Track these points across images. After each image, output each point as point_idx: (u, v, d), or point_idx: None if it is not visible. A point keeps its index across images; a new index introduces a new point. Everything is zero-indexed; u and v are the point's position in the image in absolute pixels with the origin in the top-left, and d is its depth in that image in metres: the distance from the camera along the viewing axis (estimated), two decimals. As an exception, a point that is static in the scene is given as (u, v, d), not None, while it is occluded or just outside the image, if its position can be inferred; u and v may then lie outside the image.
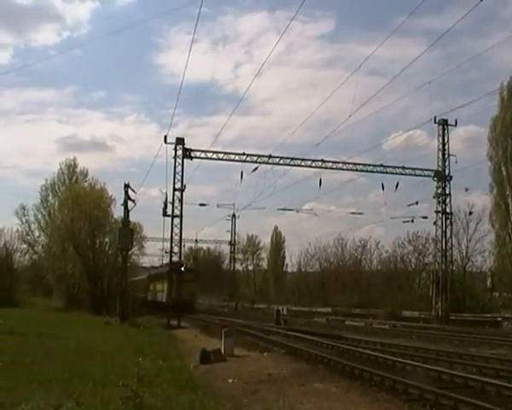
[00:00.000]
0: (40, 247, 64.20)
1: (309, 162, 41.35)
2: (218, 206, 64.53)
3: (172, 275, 41.32)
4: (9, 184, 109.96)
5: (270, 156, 41.10)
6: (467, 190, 47.03)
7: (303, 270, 73.22)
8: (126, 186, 40.09)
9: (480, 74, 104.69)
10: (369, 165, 42.08)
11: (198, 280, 57.27)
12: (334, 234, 67.41)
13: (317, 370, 15.55)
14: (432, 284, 43.27)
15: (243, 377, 14.53)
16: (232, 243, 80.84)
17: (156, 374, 12.95)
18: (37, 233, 64.43)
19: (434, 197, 42.39)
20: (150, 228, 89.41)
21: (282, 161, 41.30)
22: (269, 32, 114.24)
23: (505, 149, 44.68)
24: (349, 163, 42.26)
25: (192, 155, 40.72)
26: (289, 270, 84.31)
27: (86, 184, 62.48)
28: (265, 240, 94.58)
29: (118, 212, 50.70)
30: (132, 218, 43.18)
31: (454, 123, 42.39)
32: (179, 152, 40.11)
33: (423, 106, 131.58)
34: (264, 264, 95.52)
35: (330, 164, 41.93)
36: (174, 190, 39.78)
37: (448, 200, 42.43)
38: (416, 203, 43.59)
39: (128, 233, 40.72)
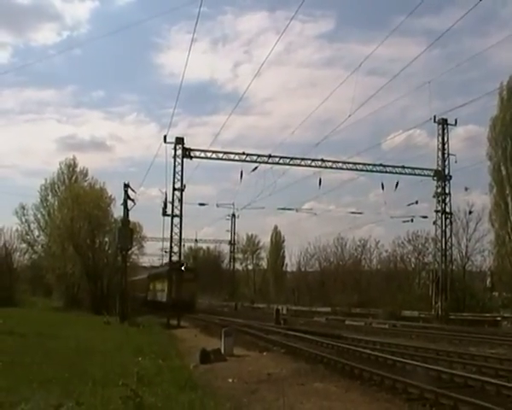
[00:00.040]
0: (40, 246, 64.25)
1: (308, 162, 41.35)
2: (217, 205, 64.46)
3: (173, 274, 41.28)
4: (9, 183, 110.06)
5: (269, 156, 41.10)
6: (466, 189, 47.20)
7: (303, 269, 73.26)
8: (126, 186, 40.09)
9: (480, 74, 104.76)
10: (369, 164, 42.12)
11: (198, 280, 57.25)
12: (334, 234, 67.60)
13: (317, 369, 15.54)
14: (431, 284, 43.27)
15: (243, 377, 14.53)
16: (232, 243, 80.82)
17: (156, 374, 12.95)
18: (36, 233, 64.53)
19: (434, 197, 42.39)
20: (150, 228, 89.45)
21: (281, 161, 41.32)
22: (268, 32, 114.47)
23: (505, 148, 44.71)
24: (349, 163, 42.31)
25: (192, 154, 40.70)
26: (289, 269, 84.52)
27: (86, 184, 62.58)
28: (265, 240, 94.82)
29: (117, 211, 50.81)
30: (132, 217, 43.24)
31: (454, 122, 42.40)
32: (179, 152, 40.12)
33: (423, 105, 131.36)
34: (264, 263, 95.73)
35: (330, 164, 41.94)
36: (174, 189, 39.77)
37: (448, 199, 42.44)
38: (416, 203, 43.67)
39: (128, 233, 40.72)
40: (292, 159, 41.51)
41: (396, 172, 41.53)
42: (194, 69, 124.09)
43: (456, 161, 42.03)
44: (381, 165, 41.35)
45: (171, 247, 40.45)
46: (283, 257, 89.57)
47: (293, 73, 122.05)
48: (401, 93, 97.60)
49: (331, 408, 10.91)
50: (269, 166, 40.66)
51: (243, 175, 40.87)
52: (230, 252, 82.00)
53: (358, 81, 27.24)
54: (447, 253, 42.65)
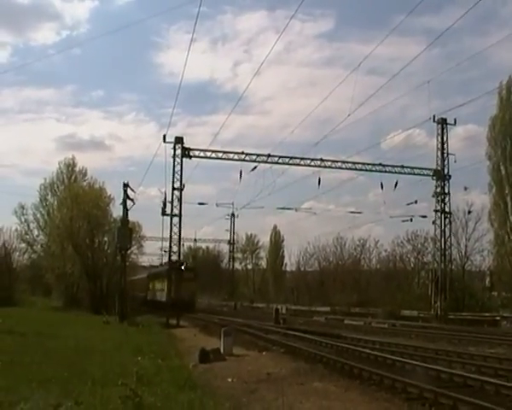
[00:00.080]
0: (39, 246, 64.23)
1: (308, 161, 41.36)
2: (217, 205, 64.49)
3: (172, 274, 41.28)
4: (8, 183, 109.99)
5: (269, 155, 41.10)
6: (466, 189, 47.32)
7: (302, 269, 73.32)
8: (125, 185, 40.05)
9: (480, 73, 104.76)
10: (368, 164, 42.13)
11: (198, 279, 57.25)
12: (334, 233, 67.57)
13: (316, 369, 15.54)
14: (431, 283, 43.27)
15: (242, 377, 14.53)
16: (231, 243, 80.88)
17: (155, 373, 12.94)
18: (36, 232, 64.50)
19: (433, 196, 42.39)
20: (149, 227, 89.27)
21: (281, 160, 41.33)
22: (268, 31, 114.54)
23: (504, 148, 44.71)
24: (348, 162, 42.32)
25: (191, 154, 40.70)
26: (288, 269, 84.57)
27: (85, 184, 62.59)
28: (264, 239, 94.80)
29: (117, 211, 50.82)
30: (131, 217, 43.23)
31: (453, 122, 42.42)
32: (178, 151, 40.11)
33: (422, 105, 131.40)
34: (264, 263, 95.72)
35: (329, 163, 41.97)
36: (173, 189, 39.76)
37: (447, 199, 42.45)
38: (415, 202, 43.65)
39: (127, 232, 40.69)
40: (291, 158, 41.54)
41: (395, 172, 41.56)
42: (193, 69, 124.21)
43: (455, 161, 42.10)
44: (380, 164, 41.37)
45: (170, 246, 40.46)
46: (283, 257, 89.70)
47: (293, 73, 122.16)
48: (401, 92, 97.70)
49: (330, 408, 10.91)
50: (268, 165, 40.76)
51: (242, 175, 40.98)
52: (230, 251, 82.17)
53: (358, 81, 27.21)
54: (446, 252, 42.67)
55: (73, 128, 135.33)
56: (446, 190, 42.38)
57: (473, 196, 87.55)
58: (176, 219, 39.83)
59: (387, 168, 41.45)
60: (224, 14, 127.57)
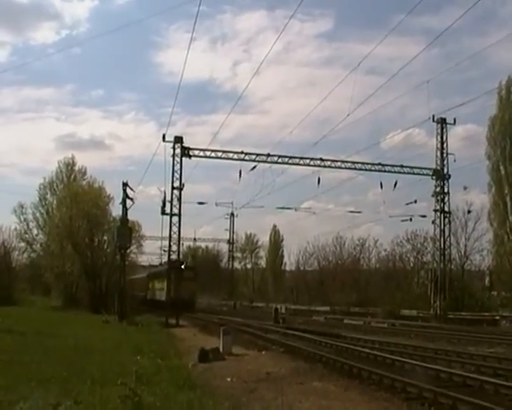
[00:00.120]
0: (38, 245, 64.18)
1: (307, 161, 41.38)
2: (216, 204, 64.45)
3: (172, 273, 41.26)
4: (8, 182, 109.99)
5: (268, 155, 41.12)
6: (465, 188, 47.30)
7: (301, 268, 73.36)
8: (125, 185, 40.02)
9: (479, 73, 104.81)
10: (368, 163, 42.16)
11: (198, 279, 57.24)
12: (333, 233, 67.60)
13: (316, 368, 15.54)
14: (430, 283, 43.31)
15: (242, 376, 14.52)
16: (231, 242, 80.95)
17: (155, 373, 12.93)
18: (35, 231, 64.46)
19: (433, 196, 42.45)
20: (149, 227, 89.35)
21: (280, 160, 41.35)
22: (267, 31, 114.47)
23: (503, 147, 44.71)
24: (347, 162, 42.33)
25: (190, 153, 40.71)
26: (288, 268, 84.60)
27: (85, 183, 62.54)
28: (264, 238, 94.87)
29: (116, 210, 50.76)
30: (131, 216, 43.19)
31: (452, 122, 42.48)
32: (178, 151, 40.13)
33: (422, 105, 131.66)
34: (263, 262, 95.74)
35: (329, 163, 42.00)
36: (173, 188, 39.79)
37: (446, 198, 42.49)
38: (415, 202, 43.68)
39: (126, 232, 40.67)
40: (291, 158, 41.57)
41: (395, 172, 41.60)
42: (193, 68, 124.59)
43: (454, 161, 42.16)
44: (379, 164, 41.39)
45: (169, 246, 40.47)
46: (282, 256, 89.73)
47: (292, 73, 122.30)
48: (400, 92, 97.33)
49: (330, 407, 10.91)
50: (268, 165, 40.78)
51: (242, 174, 41.00)
52: (229, 251, 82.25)
53: (357, 80, 27.27)
54: (446, 252, 42.70)
55: (73, 127, 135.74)
56: (446, 190, 42.46)
57: (472, 195, 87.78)
58: (175, 219, 39.89)
59: (387, 168, 41.48)
60: (223, 13, 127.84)
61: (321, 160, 41.41)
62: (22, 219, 63.98)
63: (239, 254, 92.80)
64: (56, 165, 66.12)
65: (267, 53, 61.16)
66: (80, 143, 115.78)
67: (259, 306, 65.92)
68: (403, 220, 46.20)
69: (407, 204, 43.98)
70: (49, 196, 64.64)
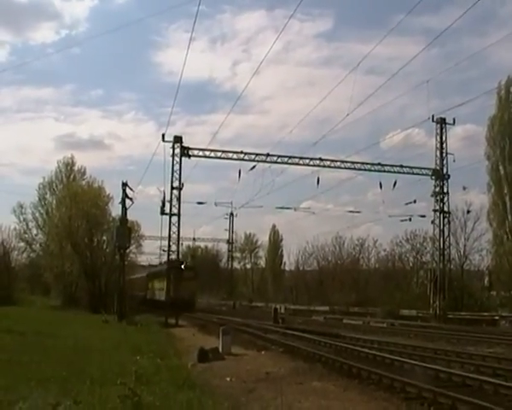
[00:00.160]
0: (38, 245, 64.21)
1: (307, 161, 41.39)
2: (215, 204, 64.39)
3: (172, 273, 41.25)
4: (7, 182, 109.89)
5: (267, 155, 41.13)
6: (465, 188, 47.32)
7: (301, 268, 73.37)
8: (124, 184, 40.00)
9: (479, 73, 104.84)
10: (367, 163, 42.17)
11: (198, 278, 57.23)
12: (332, 232, 67.69)
13: (315, 368, 15.55)
14: (430, 283, 43.33)
15: (241, 376, 14.53)
16: (230, 242, 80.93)
17: (154, 373, 12.93)
18: (34, 231, 64.47)
19: (432, 196, 42.47)
20: (148, 226, 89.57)
21: (279, 160, 41.36)
22: (267, 31, 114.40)
23: (503, 148, 44.72)
24: (347, 162, 42.33)
25: (190, 153, 40.72)
26: (287, 268, 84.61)
27: (84, 183, 62.55)
28: (263, 238, 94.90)
29: (116, 210, 50.71)
30: (130, 216, 43.19)
31: (452, 122, 42.49)
32: (177, 150, 40.14)
33: (421, 104, 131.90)
34: (262, 262, 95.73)
35: (328, 162, 41.99)
36: (172, 188, 39.80)
37: (446, 198, 42.50)
38: (414, 202, 43.70)
39: (126, 231, 40.62)
40: (290, 158, 41.58)
41: (394, 172, 41.62)
42: (192, 68, 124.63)
43: (454, 161, 42.13)
44: (379, 164, 41.39)
45: (169, 245, 40.49)
46: (281, 256, 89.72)
47: (292, 72, 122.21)
48: (400, 92, 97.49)
49: (329, 407, 10.91)
50: (267, 164, 40.78)
51: (241, 174, 40.98)
52: (228, 251, 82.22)
53: (357, 80, 27.23)
54: (445, 252, 42.72)
55: (72, 127, 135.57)
56: (445, 190, 42.48)
57: (471, 195, 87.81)
58: (175, 219, 39.91)
59: (386, 168, 41.49)
60: (223, 13, 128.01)
61: (320, 160, 41.42)
62: (21, 218, 64.08)
63: (238, 254, 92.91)
64: (56, 165, 66.27)
65: (267, 53, 61.30)
66: (79, 143, 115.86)
67: (259, 306, 65.93)
68: (402, 220, 46.29)
69: (406, 204, 44.05)
70: (48, 195, 64.74)
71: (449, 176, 42.36)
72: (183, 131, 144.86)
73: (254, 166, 40.51)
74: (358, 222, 56.61)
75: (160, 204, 40.64)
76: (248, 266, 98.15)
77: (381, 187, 41.10)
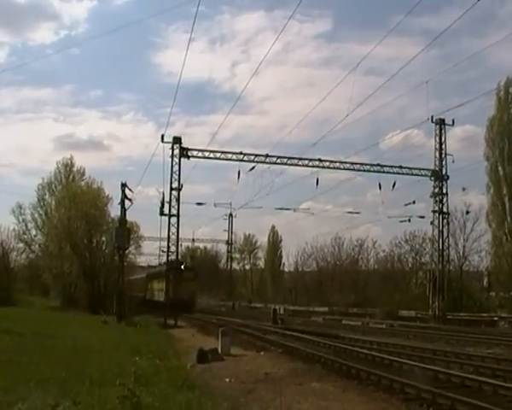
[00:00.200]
0: (37, 246, 64.19)
1: (306, 162, 41.38)
2: (215, 205, 64.24)
3: (171, 274, 41.23)
4: (6, 182, 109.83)
5: (267, 155, 41.12)
6: (464, 189, 47.25)
7: (300, 269, 73.34)
8: (123, 185, 40.01)
9: (478, 74, 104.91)
10: (367, 164, 42.13)
11: (198, 279, 57.22)
12: (331, 233, 67.67)
13: (314, 369, 15.56)
14: (429, 284, 43.31)
15: (240, 377, 14.54)
16: (229, 243, 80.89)
17: (153, 373, 12.93)
18: (33, 232, 64.47)
19: (431, 197, 42.46)
20: (147, 227, 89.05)
21: (279, 161, 41.33)
22: (266, 32, 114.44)
23: (502, 148, 44.74)
24: (346, 162, 42.30)
25: (189, 154, 40.70)
26: (286, 269, 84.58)
27: (83, 183, 62.54)
28: (262, 239, 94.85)
29: (115, 211, 50.68)
30: (129, 217, 43.16)
31: (451, 122, 42.44)
32: (176, 151, 40.13)
33: (421, 105, 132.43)
34: (262, 263, 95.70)
35: (327, 163, 41.99)
36: (171, 189, 39.80)
37: (445, 199, 42.50)
38: (413, 203, 43.71)
39: (125, 232, 40.61)
40: (289, 158, 41.56)
41: (393, 172, 41.63)
42: (191, 68, 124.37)
43: (453, 161, 42.09)
44: (378, 165, 41.39)
45: (168, 246, 40.51)
46: (281, 257, 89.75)
47: (291, 73, 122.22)
48: (399, 93, 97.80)
49: (328, 408, 10.92)
50: (266, 165, 40.79)
51: (241, 175, 40.87)
52: (228, 252, 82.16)
53: (356, 81, 27.24)
54: (444, 253, 42.71)
55: (72, 128, 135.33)
56: (444, 191, 42.46)
57: (471, 196, 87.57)
58: (174, 219, 39.93)
59: (385, 169, 41.49)
60: (222, 14, 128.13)
61: (319, 160, 41.43)
62: (21, 219, 64.11)
63: (237, 255, 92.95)
64: (55, 165, 66.32)
65: (266, 53, 61.32)
66: (79, 144, 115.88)
67: (258, 306, 65.93)
68: (401, 221, 46.29)
69: (406, 205, 43.97)
70: (47, 196, 64.76)
71: (448, 177, 42.38)
72: (183, 131, 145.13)
73: (254, 167, 40.54)
74: (358, 223, 56.87)
75: (160, 205, 40.66)
76: (247, 266, 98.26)
77: (380, 188, 41.12)
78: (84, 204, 53.42)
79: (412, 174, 42.44)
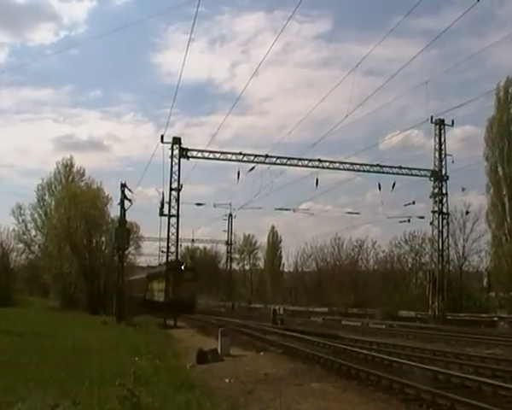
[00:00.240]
0: (37, 246, 64.29)
1: (306, 162, 41.38)
2: (214, 205, 64.14)
3: (171, 274, 41.22)
4: (6, 183, 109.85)
5: (266, 156, 41.13)
6: (463, 189, 47.26)
7: (300, 270, 73.33)
8: (123, 186, 40.04)
9: (477, 74, 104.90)
10: (366, 165, 42.14)
11: (198, 279, 57.20)
12: (331, 234, 67.61)
13: (314, 369, 15.55)
14: (428, 284, 43.31)
15: (240, 377, 14.53)
16: (229, 243, 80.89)
17: (153, 374, 12.93)
18: (33, 232, 64.60)
19: (431, 197, 42.47)
20: (147, 228, 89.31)
21: (278, 161, 41.33)
22: (266, 32, 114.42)
23: (502, 149, 44.75)
24: (346, 163, 42.32)
25: (189, 154, 40.72)
26: (286, 270, 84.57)
27: (83, 184, 62.69)
28: (262, 240, 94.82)
29: (114, 211, 50.75)
30: (129, 217, 43.22)
31: (451, 123, 42.49)
32: (176, 152, 40.16)
33: (420, 106, 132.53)
34: (261, 264, 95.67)
35: (327, 164, 41.99)
36: (171, 189, 39.82)
37: (445, 200, 42.51)
38: (413, 203, 43.71)
39: (124, 233, 40.63)
40: (289, 159, 41.56)
41: (393, 173, 41.64)
42: (191, 69, 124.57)
43: (453, 162, 42.14)
44: (378, 165, 41.39)
45: (168, 247, 40.53)
46: (280, 257, 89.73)
47: (291, 74, 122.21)
48: (398, 93, 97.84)
49: (328, 408, 10.92)
50: (266, 166, 40.81)
51: (240, 175, 40.85)
52: (227, 252, 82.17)
53: (356, 81, 27.18)
54: (444, 253, 42.72)
55: (71, 128, 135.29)
56: (444, 191, 42.47)
57: (470, 196, 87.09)
58: (173, 220, 39.96)
59: (385, 169, 41.49)
60: (221, 14, 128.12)
61: (319, 161, 41.44)
62: (20, 220, 64.27)
63: (237, 256, 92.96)
64: (54, 166, 66.48)
65: (266, 54, 61.16)
66: (78, 144, 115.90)
67: (258, 307, 65.93)
68: (401, 222, 46.31)
69: (405, 205, 43.98)
70: (47, 196, 64.88)
71: (448, 177, 42.41)
72: (182, 132, 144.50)
73: (253, 168, 40.53)
74: (357, 223, 56.87)
75: (159, 205, 40.69)
76: (247, 267, 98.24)
77: (379, 188, 41.07)
78: (83, 204, 53.45)
79: (412, 175, 42.47)
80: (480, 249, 47.90)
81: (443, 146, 42.40)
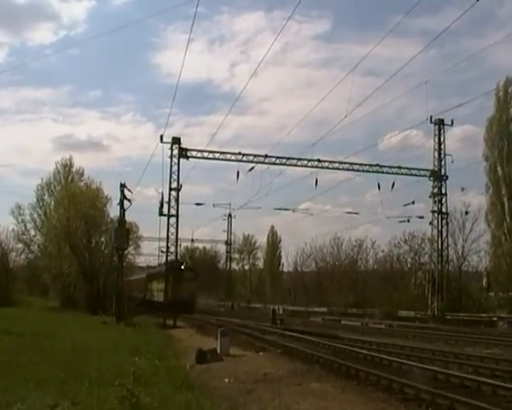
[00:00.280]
0: (36, 246, 64.22)
1: (305, 162, 41.37)
2: (214, 205, 64.26)
3: (171, 274, 41.21)
4: (5, 182, 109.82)
5: (266, 156, 41.12)
6: (463, 189, 47.23)
7: (299, 269, 73.31)
8: (122, 186, 40.01)
9: (477, 74, 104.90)
10: (366, 164, 42.12)
11: (198, 279, 57.18)
12: (330, 234, 67.68)
13: (313, 369, 15.55)
14: (428, 284, 43.31)
15: (239, 377, 14.53)
16: (228, 243, 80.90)
17: (152, 374, 12.93)
18: (32, 232, 64.53)
19: (430, 197, 42.47)
20: (146, 228, 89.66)
21: (278, 161, 41.34)
22: (265, 32, 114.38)
23: (501, 149, 44.78)
24: (345, 163, 42.32)
25: (188, 154, 40.71)
26: (285, 269, 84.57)
27: (82, 184, 62.55)
28: (261, 240, 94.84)
29: (114, 211, 50.73)
30: (128, 217, 43.18)
31: (450, 123, 42.52)
32: (175, 152, 40.16)
33: (420, 106, 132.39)
34: (261, 263, 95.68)
35: (326, 164, 41.99)
36: (170, 189, 39.82)
37: (444, 200, 42.53)
38: (413, 203, 43.72)
39: (124, 233, 40.61)
40: (288, 159, 41.55)
41: (392, 173, 41.64)
42: (190, 69, 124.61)
43: (452, 162, 42.18)
44: (377, 165, 41.38)
45: (167, 247, 40.55)
46: (280, 257, 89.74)
47: (290, 73, 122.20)
48: (398, 93, 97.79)
49: (327, 408, 10.92)
50: (265, 166, 40.80)
51: (240, 175, 40.79)
52: (227, 252, 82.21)
53: (355, 81, 27.23)
54: (443, 253, 42.72)
55: (70, 128, 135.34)
56: (443, 191, 42.47)
57: (470, 196, 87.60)
58: (173, 220, 39.97)
59: (384, 169, 41.49)
60: (221, 14, 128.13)
61: (318, 161, 41.43)
62: (20, 220, 64.22)
63: (237, 256, 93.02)
64: (54, 166, 66.36)
65: (265, 54, 61.25)
66: (78, 144, 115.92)
67: (257, 307, 65.94)
68: (400, 221, 46.34)
69: (405, 205, 43.98)
70: (46, 196, 64.79)
71: (447, 177, 42.43)
72: (182, 132, 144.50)
73: (253, 168, 40.51)
74: (356, 223, 56.88)
75: (159, 205, 40.70)
76: (247, 267, 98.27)
77: (379, 188, 41.04)
78: (83, 204, 53.42)
79: (411, 174, 42.47)
80: (479, 249, 48.00)
81: (442, 146, 42.45)
